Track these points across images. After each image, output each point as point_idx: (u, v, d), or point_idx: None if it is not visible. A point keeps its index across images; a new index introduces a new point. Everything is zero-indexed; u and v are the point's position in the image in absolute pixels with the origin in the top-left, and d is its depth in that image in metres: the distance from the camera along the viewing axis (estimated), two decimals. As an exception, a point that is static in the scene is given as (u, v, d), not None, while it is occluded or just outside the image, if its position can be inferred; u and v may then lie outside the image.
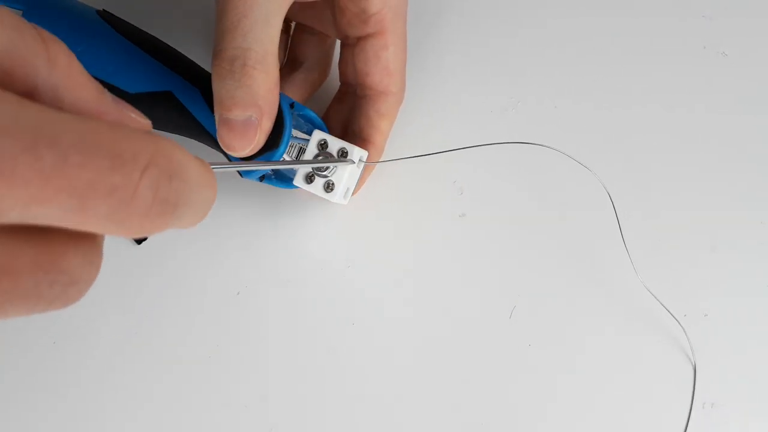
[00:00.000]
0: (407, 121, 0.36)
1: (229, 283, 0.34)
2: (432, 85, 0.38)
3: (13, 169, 0.12)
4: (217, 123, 0.29)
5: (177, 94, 0.32)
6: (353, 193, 0.33)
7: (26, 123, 0.12)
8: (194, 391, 0.32)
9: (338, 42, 0.37)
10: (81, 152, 0.13)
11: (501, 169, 0.35)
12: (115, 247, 0.35)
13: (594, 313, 0.33)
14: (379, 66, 0.32)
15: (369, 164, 0.33)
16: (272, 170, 0.33)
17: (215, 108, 0.29)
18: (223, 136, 0.29)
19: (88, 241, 0.15)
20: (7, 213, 0.12)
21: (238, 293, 0.34)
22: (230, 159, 0.32)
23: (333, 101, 0.36)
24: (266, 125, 0.29)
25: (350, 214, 0.35)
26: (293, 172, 0.32)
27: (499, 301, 0.33)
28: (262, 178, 0.33)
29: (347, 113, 0.35)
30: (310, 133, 0.32)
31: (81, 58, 0.36)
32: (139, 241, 0.35)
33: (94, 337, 0.33)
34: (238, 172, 0.32)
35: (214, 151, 0.32)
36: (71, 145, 0.13)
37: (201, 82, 0.32)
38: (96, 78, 0.35)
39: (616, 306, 0.32)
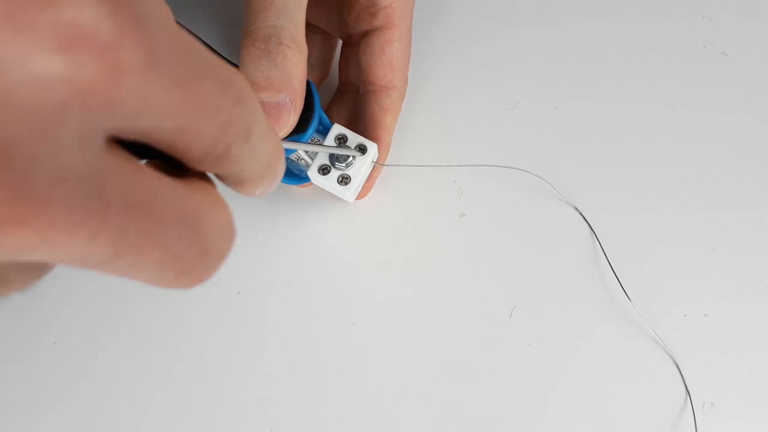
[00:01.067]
0: (408, 119, 0.36)
1: (229, 283, 0.34)
2: (432, 85, 0.38)
3: (163, 81, 0.11)
4: None
5: None
6: (364, 195, 0.34)
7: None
8: (194, 390, 0.32)
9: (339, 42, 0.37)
10: (202, 74, 0.12)
11: (501, 170, 0.35)
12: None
13: (594, 313, 0.33)
14: (384, 60, 0.32)
15: (378, 165, 0.33)
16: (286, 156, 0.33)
17: None
18: None
19: (224, 210, 0.14)
20: (143, 117, 0.11)
21: (238, 293, 0.34)
22: None
23: (332, 101, 0.36)
24: (299, 106, 0.28)
25: (350, 214, 0.35)
26: (303, 167, 0.32)
27: (499, 301, 0.33)
28: None
29: (348, 112, 0.35)
30: (323, 134, 0.32)
31: None
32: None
33: (94, 337, 0.33)
34: None
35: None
36: (198, 66, 0.12)
37: None
38: None
39: (615, 306, 0.32)
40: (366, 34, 0.32)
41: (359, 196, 0.33)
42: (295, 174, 0.33)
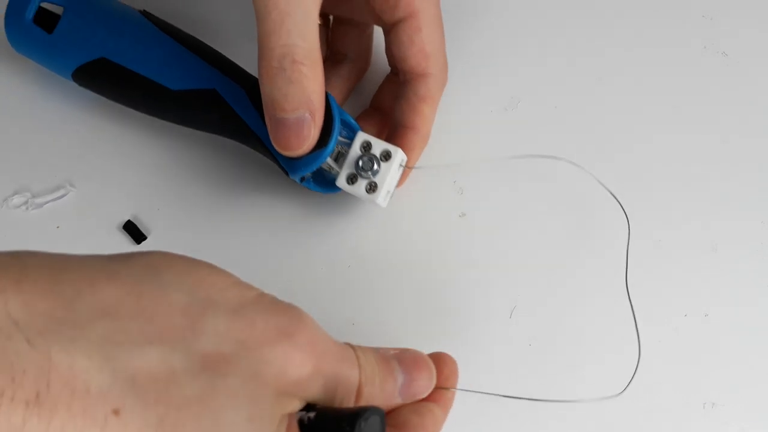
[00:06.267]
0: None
1: (229, 283, 0.34)
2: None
3: None
4: (269, 124, 0.29)
5: (222, 93, 0.32)
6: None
7: None
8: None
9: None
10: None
11: (501, 170, 0.35)
12: (114, 247, 0.35)
13: (594, 313, 0.33)
14: (414, 49, 0.32)
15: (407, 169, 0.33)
16: (312, 171, 0.32)
17: (266, 109, 0.29)
18: (277, 136, 0.29)
19: None
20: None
21: (238, 293, 0.34)
22: (278, 159, 0.32)
23: (381, 86, 0.36)
24: (319, 121, 0.29)
25: (350, 214, 0.35)
26: (332, 175, 0.32)
27: (499, 300, 0.33)
28: (302, 180, 0.32)
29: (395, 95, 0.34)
30: (349, 137, 0.32)
31: (124, 53, 0.35)
32: (138, 241, 0.35)
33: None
34: (284, 169, 0.32)
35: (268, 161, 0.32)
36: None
37: (246, 83, 0.32)
38: (139, 74, 0.35)
39: (615, 306, 0.32)
40: (393, 25, 0.32)
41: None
42: (328, 181, 0.33)
